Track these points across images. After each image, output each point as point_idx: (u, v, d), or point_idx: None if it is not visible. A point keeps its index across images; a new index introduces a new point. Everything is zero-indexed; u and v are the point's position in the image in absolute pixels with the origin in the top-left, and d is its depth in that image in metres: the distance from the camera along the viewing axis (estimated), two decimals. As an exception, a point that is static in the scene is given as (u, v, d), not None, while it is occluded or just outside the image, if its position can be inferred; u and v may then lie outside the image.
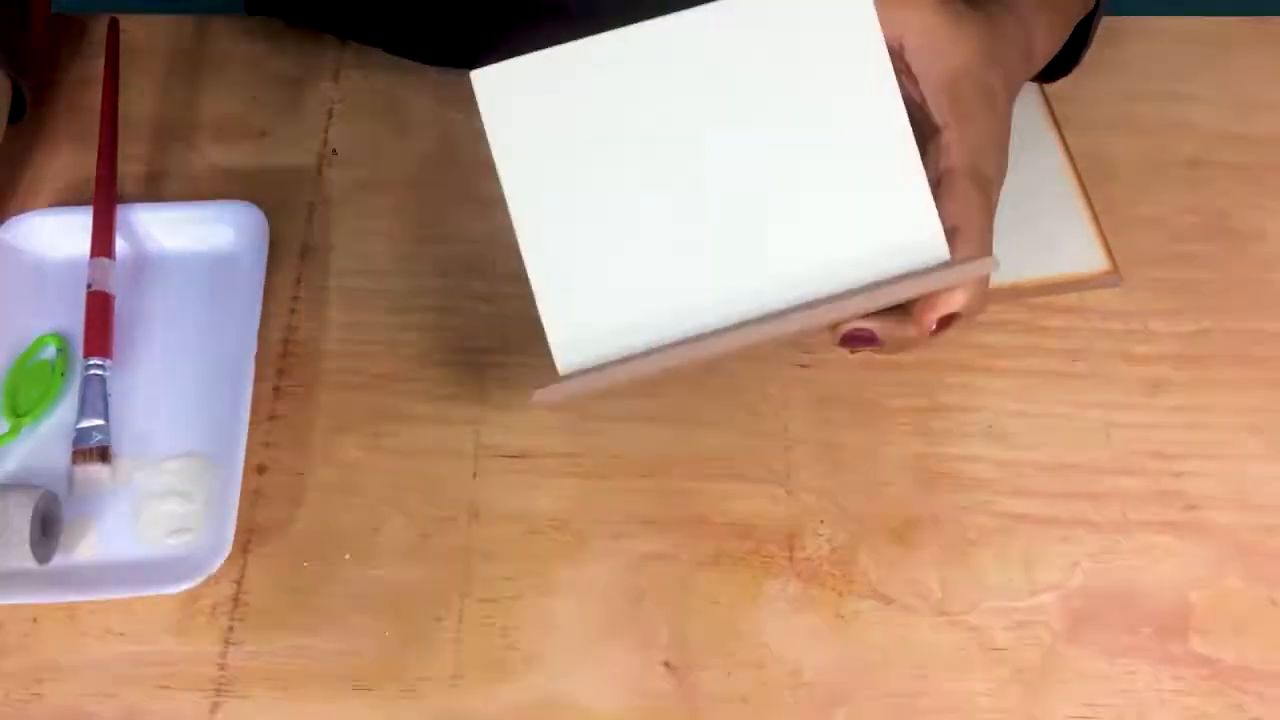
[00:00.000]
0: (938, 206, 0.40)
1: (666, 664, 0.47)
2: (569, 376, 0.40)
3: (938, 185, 0.40)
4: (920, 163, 0.40)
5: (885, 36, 0.40)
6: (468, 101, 0.61)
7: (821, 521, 0.50)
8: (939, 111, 0.42)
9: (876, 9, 0.40)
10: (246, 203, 0.56)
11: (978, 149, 0.41)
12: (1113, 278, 0.54)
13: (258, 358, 0.52)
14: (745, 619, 0.47)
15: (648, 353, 0.39)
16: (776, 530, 0.49)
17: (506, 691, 0.46)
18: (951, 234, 0.40)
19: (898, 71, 0.41)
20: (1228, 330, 0.54)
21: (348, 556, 0.49)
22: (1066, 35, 0.52)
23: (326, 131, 0.61)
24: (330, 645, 0.47)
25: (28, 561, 0.46)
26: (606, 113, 0.40)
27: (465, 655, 0.47)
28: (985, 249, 0.40)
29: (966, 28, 0.43)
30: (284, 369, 0.54)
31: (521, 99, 0.40)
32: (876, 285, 0.39)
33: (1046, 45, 0.49)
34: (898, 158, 0.40)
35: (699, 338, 0.39)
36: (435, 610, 0.48)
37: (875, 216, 0.40)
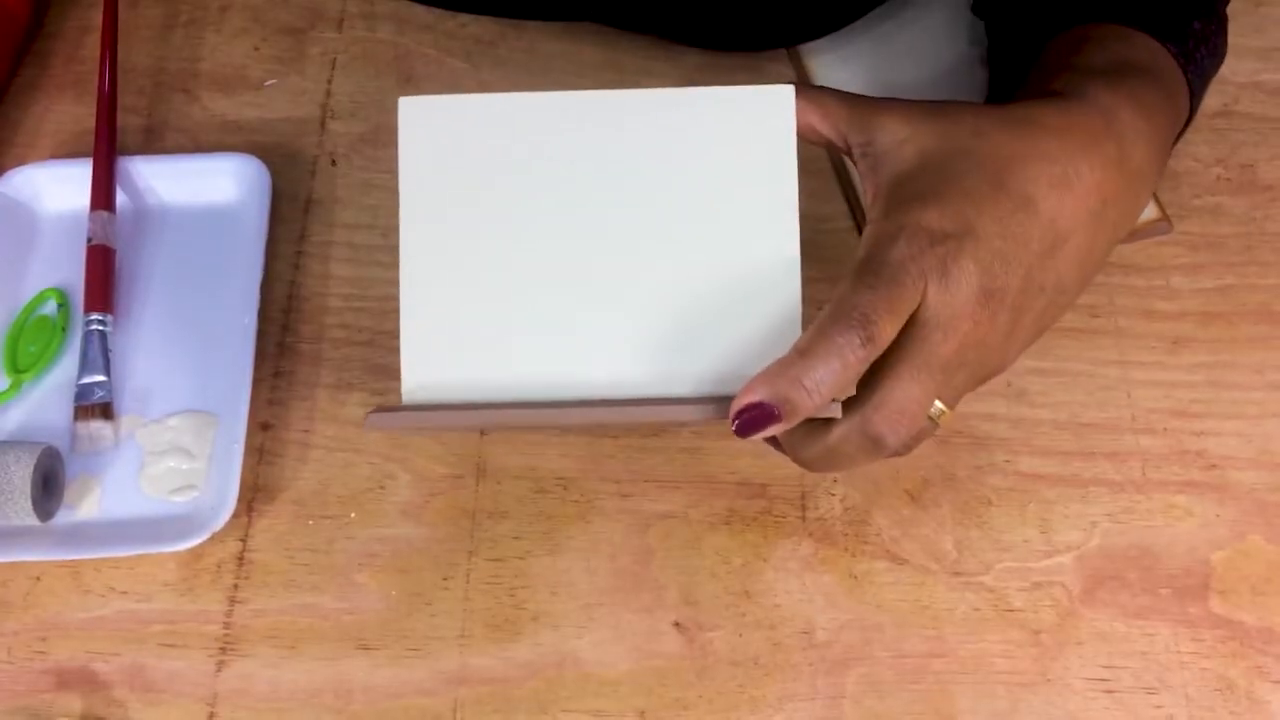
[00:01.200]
0: None
1: (676, 624, 0.46)
2: (411, 408, 0.39)
3: None
4: (798, 297, 0.39)
5: (856, 141, 0.40)
6: (471, 53, 0.60)
7: (834, 480, 0.49)
8: (868, 210, 0.40)
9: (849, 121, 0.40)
10: (248, 155, 0.55)
11: (876, 240, 0.38)
12: (1163, 225, 0.53)
13: (261, 313, 0.51)
14: (757, 579, 0.47)
15: (492, 406, 0.39)
16: (788, 489, 0.49)
17: (514, 651, 0.46)
18: None
19: (863, 173, 0.41)
20: (1251, 286, 0.53)
21: (353, 515, 0.48)
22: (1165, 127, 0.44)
23: (330, 82, 0.60)
24: (336, 604, 0.47)
25: (30, 519, 0.46)
26: (517, 169, 0.40)
27: (472, 615, 0.46)
28: (821, 336, 0.37)
29: (944, 125, 0.40)
30: (288, 325, 0.53)
31: (441, 134, 0.40)
32: (717, 399, 0.39)
33: (1137, 133, 0.43)
34: (781, 290, 0.39)
35: (545, 406, 0.39)
36: (442, 569, 0.47)
37: (743, 341, 0.39)
